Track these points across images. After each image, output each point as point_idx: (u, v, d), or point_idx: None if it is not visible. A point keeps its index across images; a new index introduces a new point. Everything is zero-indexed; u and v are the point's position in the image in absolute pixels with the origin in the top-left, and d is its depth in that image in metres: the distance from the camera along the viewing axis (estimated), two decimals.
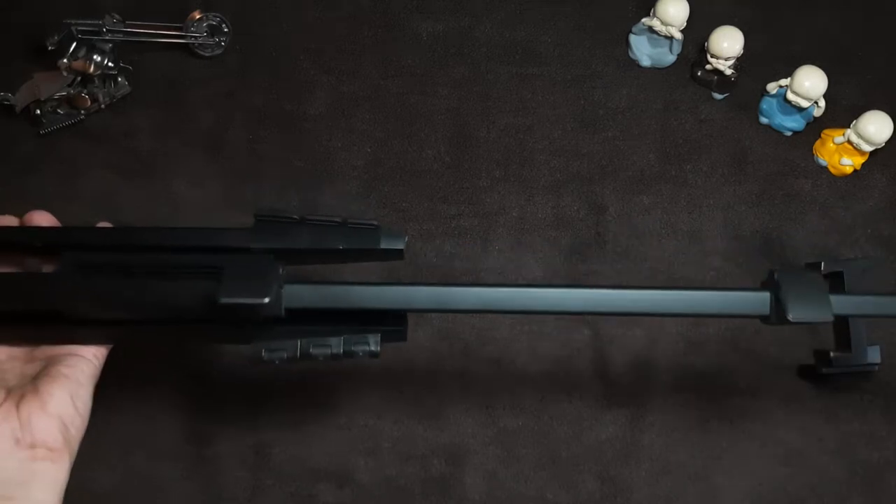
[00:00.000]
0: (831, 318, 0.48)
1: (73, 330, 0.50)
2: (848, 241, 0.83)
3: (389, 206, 0.83)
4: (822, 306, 0.48)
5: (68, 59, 0.80)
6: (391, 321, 0.51)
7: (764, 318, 0.50)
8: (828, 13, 0.89)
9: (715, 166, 0.84)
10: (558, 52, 0.87)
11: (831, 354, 0.76)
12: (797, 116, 0.84)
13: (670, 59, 0.87)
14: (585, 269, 0.81)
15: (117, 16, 0.82)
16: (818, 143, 0.85)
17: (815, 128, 0.85)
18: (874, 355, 0.75)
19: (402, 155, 0.84)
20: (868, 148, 0.81)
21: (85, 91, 0.82)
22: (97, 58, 0.81)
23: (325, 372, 0.77)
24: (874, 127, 0.80)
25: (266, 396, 0.77)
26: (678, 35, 0.84)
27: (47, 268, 0.54)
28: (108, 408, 0.78)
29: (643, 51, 0.86)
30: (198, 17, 0.84)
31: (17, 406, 0.48)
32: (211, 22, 0.84)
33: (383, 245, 0.50)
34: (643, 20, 0.85)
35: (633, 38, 0.87)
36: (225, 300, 0.45)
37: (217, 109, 0.85)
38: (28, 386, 0.49)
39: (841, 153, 0.83)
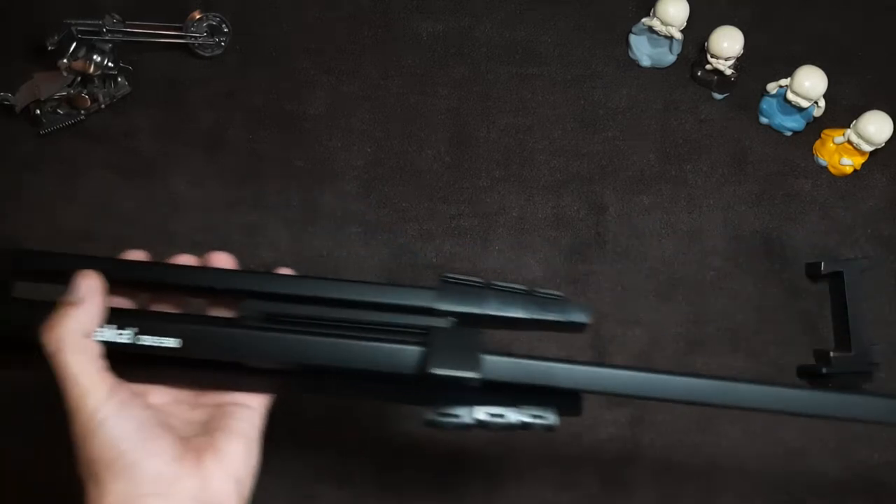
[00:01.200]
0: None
1: (247, 378, 0.49)
2: (848, 241, 0.83)
3: (389, 206, 0.83)
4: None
5: (68, 59, 0.80)
6: (572, 395, 0.49)
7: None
8: (828, 13, 0.89)
9: (715, 166, 0.84)
10: (558, 52, 0.87)
11: (831, 354, 0.76)
12: (797, 116, 0.84)
13: (670, 59, 0.87)
14: (585, 270, 0.81)
15: (117, 16, 0.82)
16: (818, 143, 0.85)
17: (815, 128, 0.85)
18: (874, 355, 0.75)
19: (402, 155, 0.84)
20: (868, 148, 0.81)
21: (85, 91, 0.82)
22: (97, 58, 0.81)
23: None
24: (874, 127, 0.80)
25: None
26: (678, 35, 0.84)
27: (216, 310, 0.53)
28: None
29: (643, 51, 0.86)
30: (198, 17, 0.84)
31: (198, 462, 0.45)
32: (211, 22, 0.84)
33: (568, 318, 0.48)
34: (643, 20, 0.85)
35: (633, 38, 0.87)
36: (435, 371, 0.45)
37: (217, 109, 0.85)
38: (203, 439, 0.47)
39: (841, 153, 0.83)
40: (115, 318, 0.47)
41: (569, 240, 0.82)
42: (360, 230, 0.82)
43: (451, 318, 0.48)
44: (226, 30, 0.85)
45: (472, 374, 0.45)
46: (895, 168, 0.85)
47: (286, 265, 0.80)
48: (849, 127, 0.82)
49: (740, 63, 0.84)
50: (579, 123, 0.85)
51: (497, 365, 0.47)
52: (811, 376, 0.78)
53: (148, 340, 0.47)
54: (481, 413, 0.47)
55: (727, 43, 0.82)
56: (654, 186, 0.83)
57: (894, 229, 0.83)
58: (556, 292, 0.48)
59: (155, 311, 0.51)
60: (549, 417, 0.48)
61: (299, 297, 0.49)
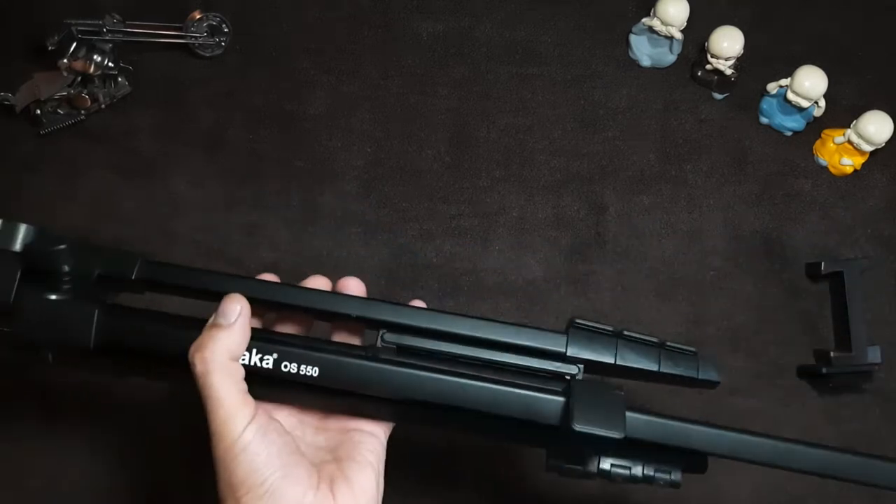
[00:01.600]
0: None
1: (375, 405, 0.50)
2: (848, 241, 0.83)
3: (389, 206, 0.83)
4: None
5: (68, 59, 0.80)
6: (697, 454, 0.49)
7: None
8: (828, 13, 0.89)
9: (715, 166, 0.84)
10: (558, 52, 0.87)
11: (831, 354, 0.76)
12: (797, 116, 0.84)
13: (670, 59, 0.87)
14: (585, 270, 0.81)
15: (117, 16, 0.82)
16: (818, 143, 0.85)
17: (815, 128, 0.85)
18: (874, 355, 0.75)
19: (402, 155, 0.84)
20: (868, 148, 0.81)
21: (85, 91, 0.82)
22: (97, 58, 0.81)
23: None
24: (874, 127, 0.80)
25: None
26: (678, 35, 0.84)
27: (339, 335, 0.53)
28: (109, 409, 0.78)
29: (643, 51, 0.86)
30: (198, 17, 0.84)
31: (331, 491, 0.46)
32: (211, 22, 0.84)
33: (700, 376, 0.48)
34: (643, 20, 0.85)
35: (633, 38, 0.87)
36: (580, 428, 0.45)
37: (217, 109, 0.85)
38: (333, 467, 0.47)
39: (841, 153, 0.83)
40: (257, 342, 0.47)
41: (569, 240, 0.82)
42: (360, 230, 0.82)
43: (579, 365, 0.48)
44: (226, 30, 0.85)
45: (616, 434, 0.45)
46: (895, 168, 0.85)
47: (286, 265, 0.80)
48: (849, 127, 0.82)
49: (740, 63, 0.84)
50: (579, 123, 0.85)
51: (639, 423, 0.46)
52: (811, 376, 0.78)
53: (289, 367, 0.47)
54: (607, 463, 0.47)
55: (727, 43, 0.82)
56: (654, 186, 0.83)
57: (894, 229, 0.83)
58: (689, 347, 0.48)
59: (293, 337, 0.51)
60: (674, 474, 0.48)
61: (432, 331, 0.49)
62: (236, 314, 0.46)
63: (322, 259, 0.81)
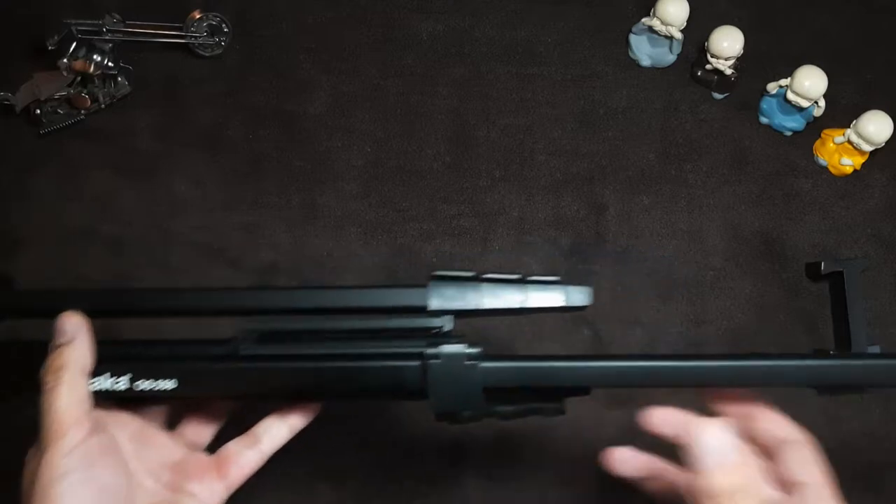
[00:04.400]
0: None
1: (239, 399, 0.50)
2: (848, 241, 0.83)
3: (389, 206, 0.83)
4: None
5: (68, 59, 0.80)
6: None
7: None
8: (828, 13, 0.89)
9: (715, 166, 0.84)
10: (558, 52, 0.87)
11: (831, 354, 0.76)
12: (797, 116, 0.84)
13: (670, 59, 0.87)
14: (585, 270, 0.81)
15: (117, 16, 0.82)
16: (818, 143, 0.85)
17: (815, 128, 0.85)
18: None
19: (402, 155, 0.84)
20: (868, 148, 0.81)
21: (85, 91, 0.82)
22: (97, 58, 0.81)
23: None
24: (874, 127, 0.80)
25: None
26: (678, 35, 0.84)
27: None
28: None
29: (643, 51, 0.86)
30: (198, 17, 0.84)
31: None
32: (211, 22, 0.84)
33: (567, 303, 0.48)
34: (643, 20, 0.85)
35: (633, 38, 0.87)
36: (437, 411, 0.46)
37: (217, 109, 0.85)
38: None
39: (841, 153, 0.83)
40: (110, 363, 0.47)
41: (569, 240, 0.82)
42: (360, 230, 0.82)
43: (446, 317, 0.47)
44: (226, 30, 0.85)
45: (470, 412, 0.46)
46: (895, 168, 0.85)
47: (286, 265, 0.80)
48: (849, 127, 0.82)
49: (740, 63, 0.84)
50: (579, 123, 0.85)
51: (500, 372, 0.46)
52: None
53: (144, 385, 0.47)
54: (491, 402, 0.47)
55: (727, 43, 0.82)
56: (654, 186, 0.83)
57: (894, 229, 0.83)
58: (552, 277, 0.48)
59: (150, 346, 0.50)
60: (558, 401, 0.49)
61: (291, 309, 0.48)
62: (74, 330, 0.46)
63: (322, 259, 0.81)
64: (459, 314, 0.47)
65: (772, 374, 0.50)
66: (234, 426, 0.52)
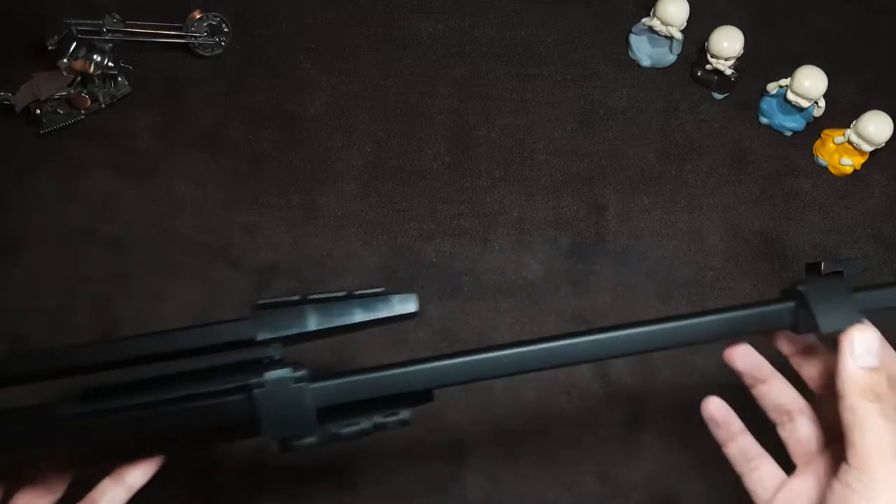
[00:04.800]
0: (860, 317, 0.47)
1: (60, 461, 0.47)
2: (848, 241, 0.83)
3: (389, 206, 0.83)
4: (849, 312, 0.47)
5: (68, 59, 0.80)
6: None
7: (793, 328, 0.49)
8: (828, 13, 0.89)
9: (715, 166, 0.84)
10: (558, 52, 0.87)
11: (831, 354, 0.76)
12: (797, 116, 0.84)
13: (670, 59, 0.87)
14: (585, 270, 0.81)
15: (117, 16, 0.82)
16: (818, 143, 0.85)
17: (815, 128, 0.85)
18: None
19: (402, 155, 0.84)
20: (868, 148, 0.81)
21: (85, 91, 0.82)
22: (97, 58, 0.81)
23: (324, 371, 0.77)
24: (874, 127, 0.80)
25: None
26: (678, 35, 0.84)
27: None
28: None
29: (643, 51, 0.87)
30: (198, 17, 0.84)
31: None
32: (211, 22, 0.84)
33: (396, 311, 0.47)
34: (643, 20, 0.85)
35: (633, 38, 0.87)
36: (269, 436, 0.44)
37: (217, 109, 0.85)
38: None
39: (841, 153, 0.83)
40: None
41: (569, 240, 0.82)
42: (360, 230, 0.82)
43: (276, 345, 0.46)
44: (226, 30, 0.85)
45: (309, 438, 0.45)
46: (895, 168, 0.85)
47: (286, 265, 0.80)
48: (849, 127, 0.82)
49: (740, 63, 0.84)
50: (579, 123, 0.85)
51: (322, 392, 0.45)
52: None
53: None
54: (335, 427, 0.46)
55: (727, 43, 0.82)
56: (654, 186, 0.83)
57: (894, 229, 0.83)
58: (377, 289, 0.47)
59: None
60: (402, 414, 0.47)
61: (114, 363, 0.46)
62: None
63: (322, 259, 0.81)
64: (289, 340, 0.46)
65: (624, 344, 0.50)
66: (84, 489, 0.49)
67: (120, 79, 0.83)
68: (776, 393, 0.52)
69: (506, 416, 0.77)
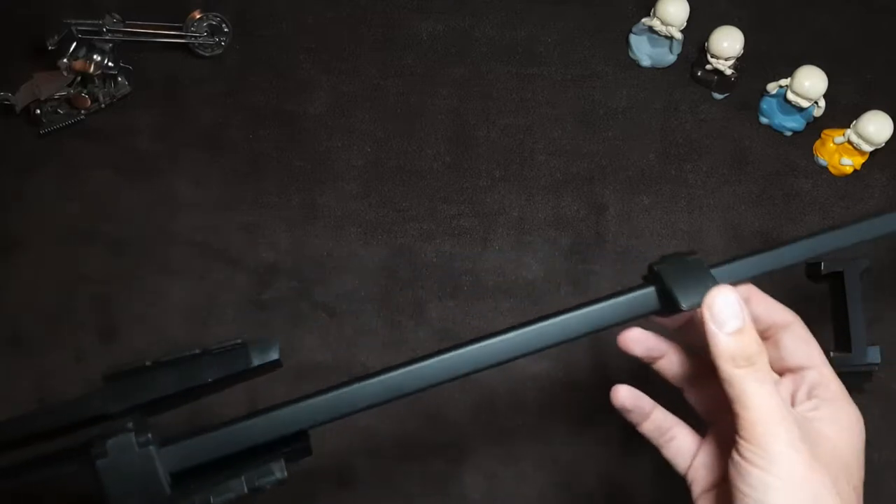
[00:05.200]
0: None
1: None
2: None
3: (389, 206, 0.83)
4: (705, 285, 0.45)
5: (68, 59, 0.80)
6: (291, 438, 0.46)
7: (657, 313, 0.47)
8: (828, 13, 0.89)
9: (715, 166, 0.84)
10: (558, 52, 0.87)
11: (831, 354, 0.76)
12: (797, 116, 0.84)
13: (670, 59, 0.87)
14: (585, 270, 0.81)
15: (117, 16, 0.82)
16: (818, 143, 0.85)
17: (815, 128, 0.85)
18: (874, 355, 0.75)
19: (402, 155, 0.84)
20: (868, 148, 0.81)
21: (85, 91, 0.82)
22: (97, 58, 0.81)
23: (324, 371, 0.77)
24: (874, 127, 0.80)
25: (266, 396, 0.77)
26: (678, 35, 0.84)
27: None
28: None
29: (643, 51, 0.86)
30: (198, 17, 0.84)
31: None
32: (211, 22, 0.84)
33: (255, 362, 0.44)
34: (643, 20, 0.85)
35: (633, 38, 0.87)
36: None
37: (217, 109, 0.85)
38: None
39: (841, 153, 0.83)
40: None
41: (569, 240, 0.82)
42: (360, 230, 0.82)
43: (131, 416, 0.42)
44: (226, 30, 0.85)
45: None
46: (895, 168, 0.85)
47: (286, 265, 0.80)
48: (849, 127, 0.82)
49: (740, 63, 0.84)
50: (579, 123, 0.85)
51: (172, 455, 0.42)
52: None
53: None
54: (205, 498, 0.42)
55: (727, 43, 0.82)
56: (654, 186, 0.83)
57: None
58: (234, 340, 0.44)
59: None
60: (277, 472, 0.44)
61: None
62: None
63: (322, 259, 0.81)
64: (144, 408, 0.43)
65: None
66: None
67: (120, 79, 0.83)
68: (676, 364, 0.52)
69: (506, 415, 0.77)
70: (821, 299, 0.81)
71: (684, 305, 0.45)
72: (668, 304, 0.46)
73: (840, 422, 0.47)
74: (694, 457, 0.51)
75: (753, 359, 0.44)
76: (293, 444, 0.46)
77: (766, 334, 0.50)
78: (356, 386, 0.45)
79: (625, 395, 0.53)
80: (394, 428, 0.77)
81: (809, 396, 0.48)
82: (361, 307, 0.80)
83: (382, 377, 0.45)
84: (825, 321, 0.80)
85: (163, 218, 0.82)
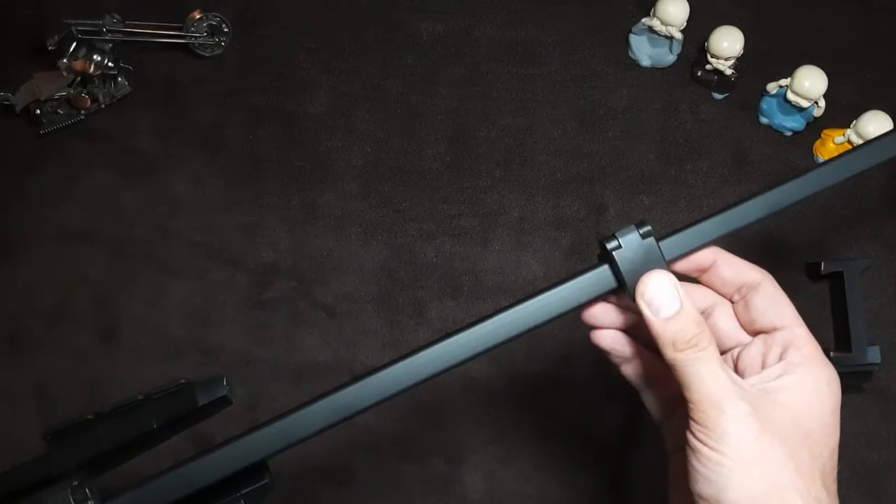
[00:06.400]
0: (664, 266, 0.44)
1: None
2: (848, 241, 0.83)
3: (389, 206, 0.83)
4: (656, 259, 0.44)
5: (68, 59, 0.80)
6: (249, 476, 0.44)
7: (615, 292, 0.46)
8: (828, 13, 0.89)
9: (715, 166, 0.84)
10: (558, 52, 0.87)
11: (831, 354, 0.76)
12: (797, 116, 0.84)
13: (670, 59, 0.87)
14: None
15: (117, 16, 0.82)
16: (818, 143, 0.85)
17: (815, 128, 0.85)
18: (874, 355, 0.75)
19: (402, 155, 0.84)
20: None
21: (85, 91, 0.82)
22: (97, 58, 0.81)
23: (324, 371, 0.77)
24: (874, 127, 0.80)
25: (267, 397, 0.77)
26: (678, 35, 0.84)
27: None
28: None
29: (643, 51, 0.86)
30: (198, 17, 0.84)
31: None
32: (211, 22, 0.84)
33: (202, 401, 0.42)
34: (643, 20, 0.85)
35: (633, 38, 0.87)
36: None
37: (217, 109, 0.85)
38: None
39: (841, 153, 0.83)
40: None
41: (569, 240, 0.82)
42: (360, 230, 0.82)
43: (75, 475, 0.41)
44: (226, 30, 0.85)
45: None
46: (895, 168, 0.85)
47: (286, 265, 0.80)
48: (849, 127, 0.82)
49: (740, 63, 0.84)
50: (579, 123, 0.85)
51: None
52: None
53: None
54: None
55: (727, 43, 0.82)
56: (654, 186, 0.83)
57: (894, 229, 0.83)
58: (177, 382, 0.42)
59: None
60: None
61: None
62: None
63: (322, 259, 0.81)
64: (89, 465, 0.42)
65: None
66: None
67: (120, 79, 0.83)
68: (639, 365, 0.51)
69: (506, 415, 0.77)
70: (821, 299, 0.81)
71: (629, 290, 0.44)
72: (621, 283, 0.45)
73: (805, 386, 0.45)
74: (669, 417, 0.50)
75: (695, 339, 0.43)
76: (251, 482, 0.44)
77: (736, 295, 0.49)
78: (303, 412, 0.44)
79: (604, 336, 0.51)
80: (394, 427, 0.77)
81: (780, 358, 0.46)
82: (361, 307, 0.80)
83: (330, 398, 0.44)
84: (825, 321, 0.80)
85: (163, 218, 0.82)
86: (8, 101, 0.82)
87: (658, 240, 0.46)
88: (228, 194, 0.83)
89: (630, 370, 0.52)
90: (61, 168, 0.83)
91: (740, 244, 0.82)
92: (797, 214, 0.83)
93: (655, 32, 0.84)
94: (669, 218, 0.83)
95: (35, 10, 0.87)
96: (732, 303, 0.50)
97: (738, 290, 0.49)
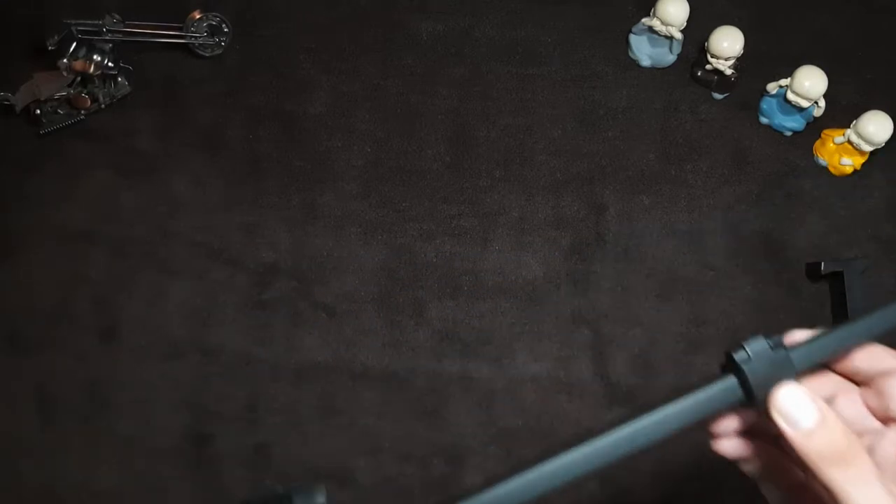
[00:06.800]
0: (794, 377, 0.42)
1: None
2: (848, 241, 0.83)
3: (389, 206, 0.83)
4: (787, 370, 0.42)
5: (68, 59, 0.80)
6: None
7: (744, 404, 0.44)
8: (827, 13, 0.89)
9: (715, 166, 0.84)
10: (558, 52, 0.87)
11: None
12: (797, 116, 0.84)
13: (670, 59, 0.87)
14: (585, 269, 0.81)
15: (117, 16, 0.82)
16: (818, 143, 0.85)
17: (815, 128, 0.85)
18: None
19: (402, 155, 0.84)
20: (868, 148, 0.81)
21: (85, 91, 0.82)
22: (97, 58, 0.81)
23: (324, 371, 0.77)
24: (874, 127, 0.80)
25: (267, 397, 0.77)
26: (678, 35, 0.84)
27: None
28: (108, 408, 0.78)
29: (643, 51, 0.86)
30: (198, 17, 0.84)
31: None
32: (211, 22, 0.84)
33: None
34: (643, 20, 0.85)
35: (633, 38, 0.87)
36: None
37: (217, 109, 0.85)
38: None
39: (841, 153, 0.83)
40: None
41: (569, 240, 0.82)
42: (360, 230, 0.82)
43: None
44: (226, 30, 0.85)
45: None
46: (895, 168, 0.85)
47: (286, 265, 0.80)
48: (849, 127, 0.82)
49: (740, 63, 0.84)
50: (579, 123, 0.85)
51: None
52: None
53: None
54: None
55: (727, 43, 0.82)
56: (654, 186, 0.83)
57: (894, 229, 0.83)
58: (274, 489, 0.42)
59: None
60: None
61: None
62: None
63: (322, 259, 0.81)
64: None
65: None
66: None
67: (120, 79, 0.83)
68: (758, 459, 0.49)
69: (506, 416, 0.77)
70: (821, 299, 0.81)
71: (761, 403, 0.42)
72: (749, 396, 0.43)
73: None
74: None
75: (847, 457, 0.40)
76: None
77: (870, 383, 0.47)
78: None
79: (727, 446, 0.49)
80: (394, 428, 0.77)
81: None
82: (361, 307, 0.80)
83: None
84: (825, 321, 0.80)
85: (163, 218, 0.82)
86: (8, 101, 0.81)
87: (789, 350, 0.44)
88: (228, 194, 0.83)
89: (750, 467, 0.51)
90: (61, 168, 0.83)
91: (741, 244, 0.82)
92: (797, 214, 0.83)
93: (655, 32, 0.84)
94: (669, 218, 0.83)
95: (35, 10, 0.87)
96: (858, 385, 0.48)
97: (874, 377, 0.46)
